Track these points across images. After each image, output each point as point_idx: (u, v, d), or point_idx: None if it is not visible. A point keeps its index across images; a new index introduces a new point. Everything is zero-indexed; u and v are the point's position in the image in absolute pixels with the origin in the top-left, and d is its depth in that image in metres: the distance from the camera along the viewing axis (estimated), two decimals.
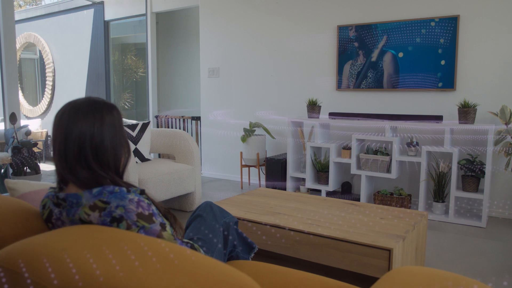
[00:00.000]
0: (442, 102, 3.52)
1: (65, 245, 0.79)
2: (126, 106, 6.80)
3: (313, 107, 3.87)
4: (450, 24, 3.40)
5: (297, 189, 4.05)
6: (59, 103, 6.79)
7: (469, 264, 2.45)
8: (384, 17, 3.71)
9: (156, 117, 5.61)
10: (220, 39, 4.77)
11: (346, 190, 3.88)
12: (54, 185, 1.68)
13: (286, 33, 4.30)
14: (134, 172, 3.02)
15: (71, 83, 6.54)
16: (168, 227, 1.04)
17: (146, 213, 1.00)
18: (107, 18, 5.95)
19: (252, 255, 1.72)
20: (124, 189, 1.02)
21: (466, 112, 3.16)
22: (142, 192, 1.05)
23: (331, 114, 3.85)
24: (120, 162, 1.07)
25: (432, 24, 3.47)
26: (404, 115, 3.51)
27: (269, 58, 4.44)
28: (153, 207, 1.03)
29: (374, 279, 1.89)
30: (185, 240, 1.20)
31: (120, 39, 6.61)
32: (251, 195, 2.72)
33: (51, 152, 6.85)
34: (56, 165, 1.04)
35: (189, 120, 5.44)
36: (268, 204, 2.48)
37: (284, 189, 4.00)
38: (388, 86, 3.73)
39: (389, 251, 1.78)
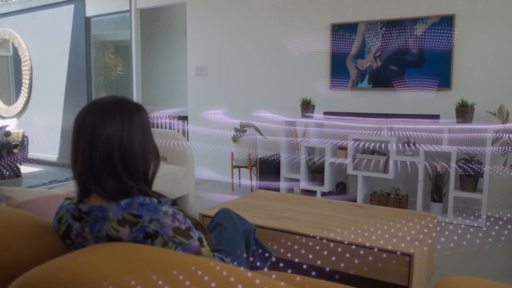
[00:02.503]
0: (438, 101, 3.51)
1: (104, 270, 0.67)
2: None
3: (307, 106, 3.80)
4: (446, 23, 3.39)
5: (291, 190, 3.97)
6: (37, 102, 6.49)
7: (476, 266, 2.43)
8: (379, 16, 3.67)
9: None
10: (208, 37, 4.64)
11: (341, 191, 3.83)
12: (63, 192, 1.53)
13: (277, 30, 4.22)
14: None
15: (50, 81, 6.26)
16: (205, 242, 0.93)
17: (183, 227, 0.88)
18: (88, 14, 5.71)
19: (268, 263, 1.63)
20: (155, 200, 0.90)
21: (464, 111, 3.16)
22: (174, 203, 0.94)
23: (325, 113, 3.79)
24: (149, 169, 0.96)
25: (428, 23, 3.46)
26: (401, 114, 3.49)
27: (260, 56, 4.35)
28: (189, 220, 0.92)
29: (392, 286, 1.83)
30: (214, 254, 1.09)
31: (98, 36, 6.36)
32: (252, 198, 2.62)
33: (28, 154, 6.48)
34: (79, 174, 0.91)
35: (176, 120, 5.29)
36: (273, 207, 2.39)
37: (278, 190, 3.91)
38: (382, 85, 3.70)
39: (410, 256, 1.72)
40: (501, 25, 3.25)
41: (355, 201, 3.60)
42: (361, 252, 1.83)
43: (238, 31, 4.45)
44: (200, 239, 0.92)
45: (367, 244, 1.81)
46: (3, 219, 0.94)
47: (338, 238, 1.87)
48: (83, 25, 5.74)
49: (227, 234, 1.32)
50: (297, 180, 3.88)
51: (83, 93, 5.87)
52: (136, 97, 5.37)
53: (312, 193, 3.87)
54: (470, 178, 3.19)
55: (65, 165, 6.03)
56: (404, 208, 3.38)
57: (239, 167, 4.30)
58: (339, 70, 3.88)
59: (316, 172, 3.77)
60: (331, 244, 1.89)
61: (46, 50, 6.25)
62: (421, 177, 3.29)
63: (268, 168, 4.02)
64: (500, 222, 3.22)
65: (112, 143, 0.89)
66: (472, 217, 3.25)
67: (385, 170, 3.48)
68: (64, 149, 6.07)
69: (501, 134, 3.08)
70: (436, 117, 3.34)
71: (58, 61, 6.09)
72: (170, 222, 0.87)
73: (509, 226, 3.13)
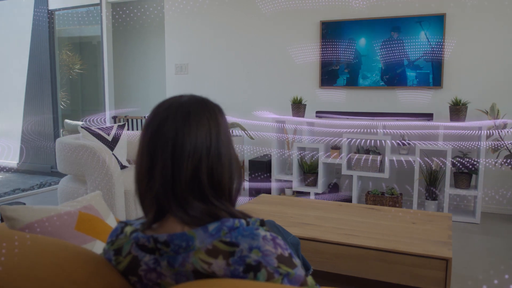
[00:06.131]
0: (429, 100, 3.52)
1: None
2: (62, 106, 6.17)
3: (298, 106, 3.69)
4: (437, 22, 3.40)
5: (282, 192, 3.85)
6: None
7: (480, 263, 2.42)
8: (370, 14, 3.63)
9: (114, 118, 5.09)
10: (189, 33, 4.42)
11: (334, 191, 3.76)
12: (73, 209, 1.30)
13: (266, 27, 4.07)
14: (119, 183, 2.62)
15: (8, 81, 5.75)
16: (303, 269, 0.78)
17: (286, 254, 0.72)
18: (51, 7, 5.28)
19: None
20: (244, 222, 0.74)
21: (458, 109, 3.18)
22: (262, 223, 0.77)
23: (318, 112, 3.70)
24: (233, 184, 0.78)
25: (419, 22, 3.45)
26: (394, 113, 3.46)
27: (246, 53, 4.18)
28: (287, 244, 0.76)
29: None
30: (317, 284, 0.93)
31: (57, 32, 5.91)
32: (259, 203, 2.47)
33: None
34: (156, 195, 0.72)
35: None
36: (286, 213, 2.25)
37: (269, 192, 3.78)
38: (374, 84, 3.66)
39: (447, 260, 1.65)
40: (491, 24, 3.30)
41: (350, 201, 3.53)
42: (393, 258, 1.73)
43: (222, 26, 4.26)
44: (303, 267, 0.76)
45: (401, 250, 1.72)
46: (43, 254, 0.74)
47: (370, 244, 1.77)
48: (46, 19, 5.30)
49: None
50: (289, 181, 3.76)
51: (47, 94, 5.43)
52: (108, 98, 5.04)
53: (306, 194, 3.77)
54: (465, 176, 3.21)
55: (27, 171, 5.56)
56: (399, 207, 3.36)
57: None
58: (329, 69, 3.80)
59: (309, 172, 3.67)
60: (360, 250, 1.78)
61: (2, 46, 5.73)
62: (416, 175, 3.27)
63: (257, 170, 3.87)
64: (495, 218, 3.27)
65: (200, 155, 0.71)
66: (467, 214, 3.28)
67: (380, 169, 3.44)
68: (27, 154, 5.60)
69: (492, 132, 3.13)
70: (430, 115, 3.34)
71: (17, 58, 5.60)
72: (272, 249, 0.70)
73: (504, 222, 3.19)
